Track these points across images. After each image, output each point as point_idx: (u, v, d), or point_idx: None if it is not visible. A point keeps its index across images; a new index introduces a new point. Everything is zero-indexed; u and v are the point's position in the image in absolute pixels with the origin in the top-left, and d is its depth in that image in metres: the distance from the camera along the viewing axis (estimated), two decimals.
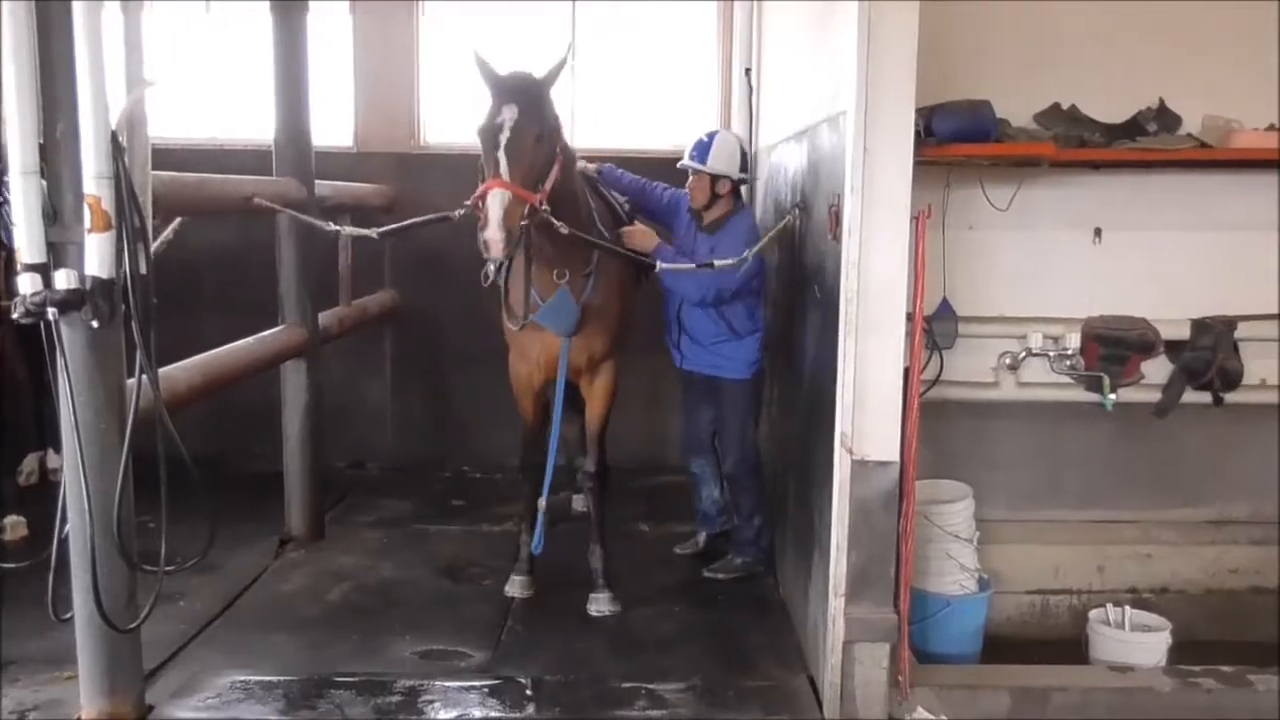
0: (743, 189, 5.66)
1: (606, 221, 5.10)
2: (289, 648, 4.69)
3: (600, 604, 5.11)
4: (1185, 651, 5.27)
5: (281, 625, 4.92)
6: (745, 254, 4.91)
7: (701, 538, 5.92)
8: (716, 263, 4.90)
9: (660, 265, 4.97)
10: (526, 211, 4.18)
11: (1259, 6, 5.37)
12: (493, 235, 4.04)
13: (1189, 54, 5.42)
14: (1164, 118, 5.38)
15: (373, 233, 5.03)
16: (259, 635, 4.81)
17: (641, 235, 5.17)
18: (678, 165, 5.38)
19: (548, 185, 4.33)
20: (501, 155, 4.16)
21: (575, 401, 5.45)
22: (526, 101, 4.27)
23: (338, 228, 5.12)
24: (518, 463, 5.42)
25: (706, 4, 7.59)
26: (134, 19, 3.36)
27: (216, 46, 7.62)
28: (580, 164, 5.21)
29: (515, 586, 5.25)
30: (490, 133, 4.23)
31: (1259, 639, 5.61)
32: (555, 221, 4.38)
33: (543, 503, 4.99)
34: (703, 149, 5.25)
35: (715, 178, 5.26)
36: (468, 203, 4.32)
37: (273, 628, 4.89)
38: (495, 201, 4.06)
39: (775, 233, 5.11)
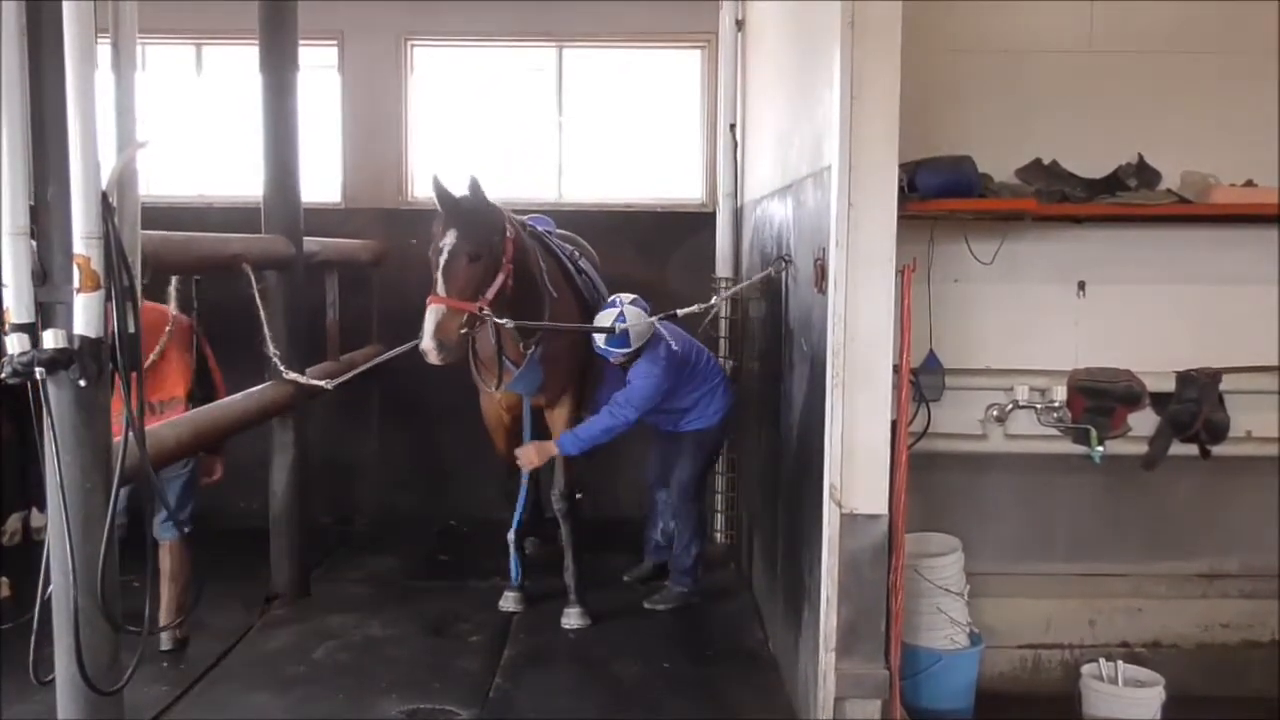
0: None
1: (556, 278, 5.42)
2: (274, 707, 4.63)
3: (572, 618, 5.57)
4: (1178, 707, 5.24)
5: (267, 684, 4.86)
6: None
7: (649, 565, 6.29)
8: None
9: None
10: (465, 320, 4.67)
11: (1234, 63, 5.48)
12: (427, 345, 4.58)
13: (1166, 110, 5.52)
14: (1143, 173, 5.45)
15: (326, 384, 5.36)
16: (244, 695, 4.75)
17: (538, 451, 5.49)
18: (598, 352, 5.42)
19: (490, 293, 4.77)
20: (439, 275, 4.70)
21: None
22: (465, 225, 4.74)
23: (286, 371, 5.36)
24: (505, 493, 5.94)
25: (691, 59, 7.70)
26: (127, 81, 3.39)
27: (206, 103, 7.70)
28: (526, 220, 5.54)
29: (509, 601, 5.76)
30: (434, 254, 4.75)
31: (1252, 694, 5.59)
32: (498, 321, 4.83)
33: (511, 535, 5.73)
34: (622, 339, 5.27)
35: None
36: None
37: (258, 687, 4.83)
38: (430, 317, 4.61)
39: (758, 279, 5.44)
